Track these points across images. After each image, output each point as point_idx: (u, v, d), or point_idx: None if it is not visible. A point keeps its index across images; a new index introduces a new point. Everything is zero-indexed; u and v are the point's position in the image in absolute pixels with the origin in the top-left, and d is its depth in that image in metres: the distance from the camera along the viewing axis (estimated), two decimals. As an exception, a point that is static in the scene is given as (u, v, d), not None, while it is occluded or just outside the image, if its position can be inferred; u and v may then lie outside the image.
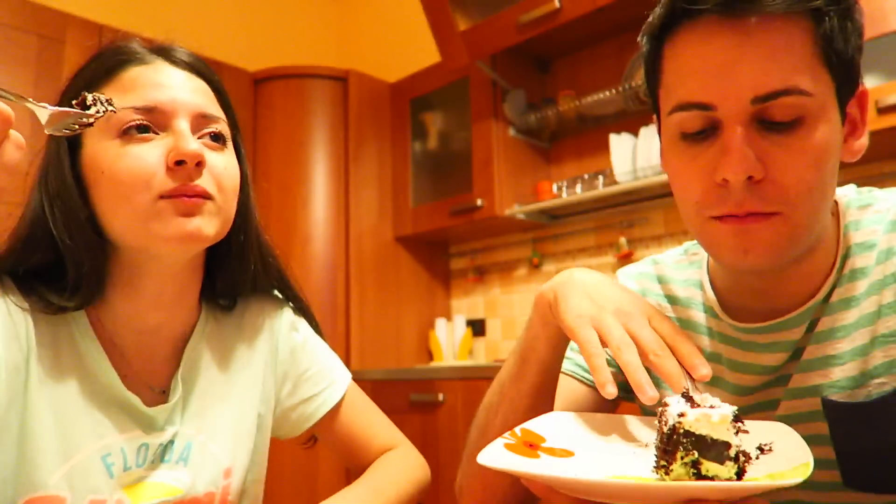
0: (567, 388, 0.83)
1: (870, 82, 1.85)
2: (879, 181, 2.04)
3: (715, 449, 0.50)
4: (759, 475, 0.51)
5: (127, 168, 0.70)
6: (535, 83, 2.83)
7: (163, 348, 0.80)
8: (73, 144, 0.73)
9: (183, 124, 0.73)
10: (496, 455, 0.56)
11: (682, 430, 0.50)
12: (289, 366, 0.90)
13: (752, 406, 0.73)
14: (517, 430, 0.63)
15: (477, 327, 3.08)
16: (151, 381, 0.79)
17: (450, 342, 3.03)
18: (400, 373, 2.64)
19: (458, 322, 3.05)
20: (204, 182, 0.72)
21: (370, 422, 0.94)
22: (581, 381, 0.84)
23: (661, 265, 0.84)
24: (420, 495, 0.89)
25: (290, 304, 0.94)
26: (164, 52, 0.77)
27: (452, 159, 2.95)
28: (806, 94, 0.57)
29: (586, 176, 2.59)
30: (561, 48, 2.74)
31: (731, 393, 0.74)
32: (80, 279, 0.73)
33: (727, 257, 0.64)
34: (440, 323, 3.05)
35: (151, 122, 0.72)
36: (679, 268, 0.82)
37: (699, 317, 0.77)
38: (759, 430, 0.57)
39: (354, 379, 0.96)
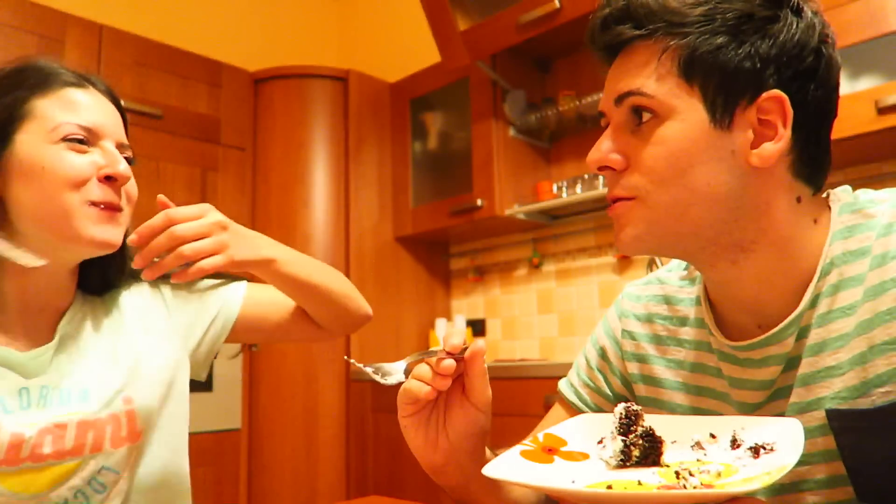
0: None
1: (869, 82, 1.85)
2: (879, 181, 2.04)
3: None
4: (756, 474, 0.52)
5: (69, 167, 0.83)
6: (535, 83, 2.83)
7: (45, 321, 0.90)
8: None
9: (111, 146, 0.88)
10: (506, 463, 0.59)
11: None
12: (184, 309, 1.04)
13: None
14: (539, 435, 0.66)
15: (477, 327, 3.08)
16: (32, 344, 0.88)
17: (450, 342, 3.03)
18: (400, 373, 2.64)
19: (459, 322, 3.05)
20: (121, 198, 0.88)
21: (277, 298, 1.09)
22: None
23: (666, 285, 0.85)
24: (345, 293, 1.07)
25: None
26: (92, 81, 0.92)
27: (452, 159, 2.96)
28: (646, 95, 0.67)
29: (586, 176, 2.59)
30: (561, 48, 2.74)
31: (738, 410, 0.73)
32: None
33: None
34: (440, 323, 3.05)
35: (87, 138, 0.86)
36: (683, 285, 0.83)
37: (702, 334, 0.77)
38: (771, 427, 0.58)
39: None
